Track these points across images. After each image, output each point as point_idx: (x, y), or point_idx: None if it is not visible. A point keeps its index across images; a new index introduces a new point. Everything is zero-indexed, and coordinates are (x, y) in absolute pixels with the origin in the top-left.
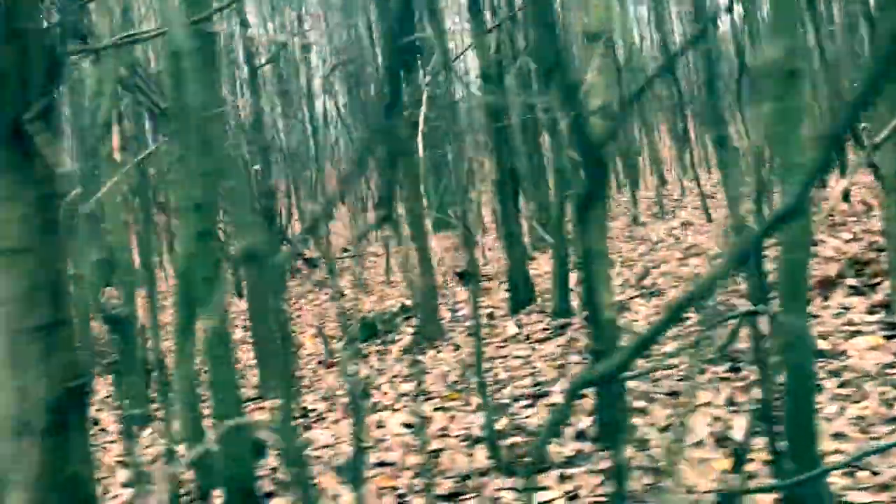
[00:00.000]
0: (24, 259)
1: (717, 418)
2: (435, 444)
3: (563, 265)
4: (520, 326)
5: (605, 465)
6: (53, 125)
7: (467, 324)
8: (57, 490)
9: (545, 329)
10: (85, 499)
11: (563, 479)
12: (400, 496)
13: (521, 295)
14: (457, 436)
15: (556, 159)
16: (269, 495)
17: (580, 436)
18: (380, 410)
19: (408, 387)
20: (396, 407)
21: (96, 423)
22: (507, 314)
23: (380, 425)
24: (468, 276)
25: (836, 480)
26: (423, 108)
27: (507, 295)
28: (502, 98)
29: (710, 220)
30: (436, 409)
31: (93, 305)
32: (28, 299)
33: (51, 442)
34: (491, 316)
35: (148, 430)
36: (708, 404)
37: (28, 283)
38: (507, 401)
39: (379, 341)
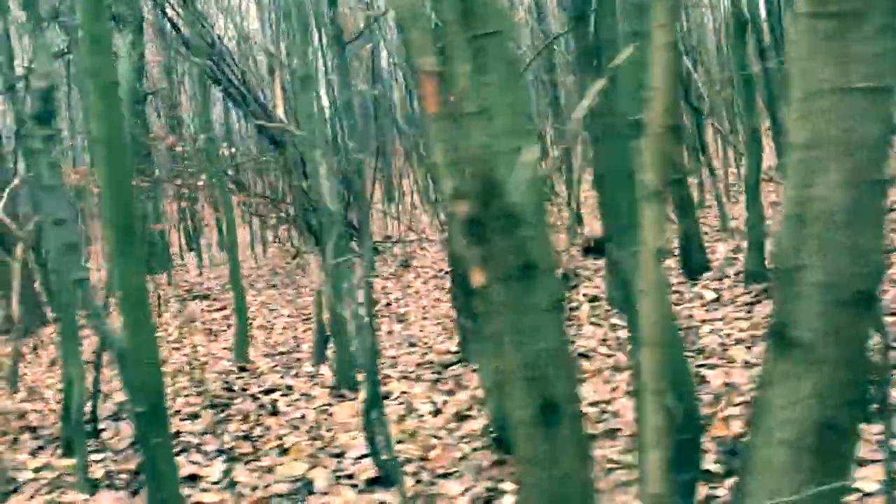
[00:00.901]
0: (884, 99)
1: None
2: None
3: (760, 229)
4: (717, 292)
5: None
6: None
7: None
8: (858, 371)
9: (746, 293)
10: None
11: None
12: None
13: (696, 262)
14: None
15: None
16: None
17: None
18: (600, 371)
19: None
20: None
21: None
22: (683, 281)
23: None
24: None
25: None
26: None
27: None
28: None
29: None
30: None
31: None
32: (882, 146)
33: (861, 314)
34: None
35: None
36: None
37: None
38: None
39: None
